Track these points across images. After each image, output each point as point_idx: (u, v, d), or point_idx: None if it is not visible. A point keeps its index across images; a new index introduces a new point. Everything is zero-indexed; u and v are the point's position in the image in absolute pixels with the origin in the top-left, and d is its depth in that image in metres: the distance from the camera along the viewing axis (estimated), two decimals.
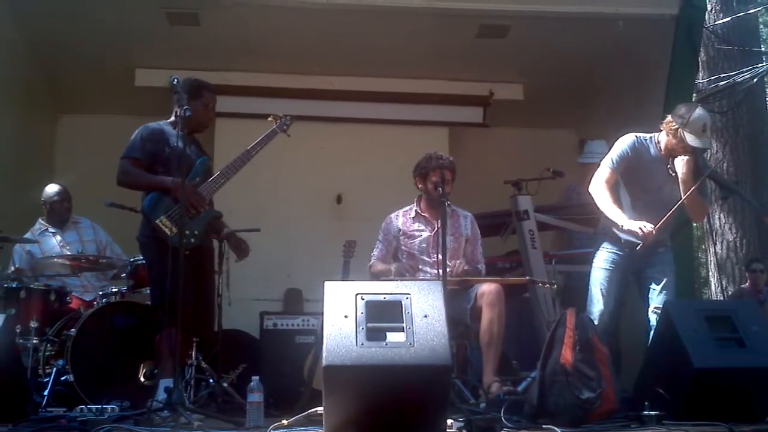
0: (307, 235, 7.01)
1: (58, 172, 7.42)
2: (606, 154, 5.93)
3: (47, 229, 5.76)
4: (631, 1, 6.17)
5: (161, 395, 3.90)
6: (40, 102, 7.27)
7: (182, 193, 4.17)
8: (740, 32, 10.80)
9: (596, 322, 4.36)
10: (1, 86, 6.27)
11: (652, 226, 4.28)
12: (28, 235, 5.63)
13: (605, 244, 4.63)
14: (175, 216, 4.29)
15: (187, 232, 4.26)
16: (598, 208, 4.49)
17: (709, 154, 8.86)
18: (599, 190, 4.48)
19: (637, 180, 4.54)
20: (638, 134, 4.58)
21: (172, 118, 4.54)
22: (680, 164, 4.46)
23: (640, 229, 4.27)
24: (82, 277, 5.58)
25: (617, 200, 4.49)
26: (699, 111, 4.45)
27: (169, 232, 4.28)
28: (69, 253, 5.56)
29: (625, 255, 4.55)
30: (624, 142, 4.56)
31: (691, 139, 4.38)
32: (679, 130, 4.40)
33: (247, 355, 5.41)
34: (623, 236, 4.46)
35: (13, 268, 5.51)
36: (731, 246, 10.28)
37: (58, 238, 5.73)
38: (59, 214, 5.77)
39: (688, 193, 4.38)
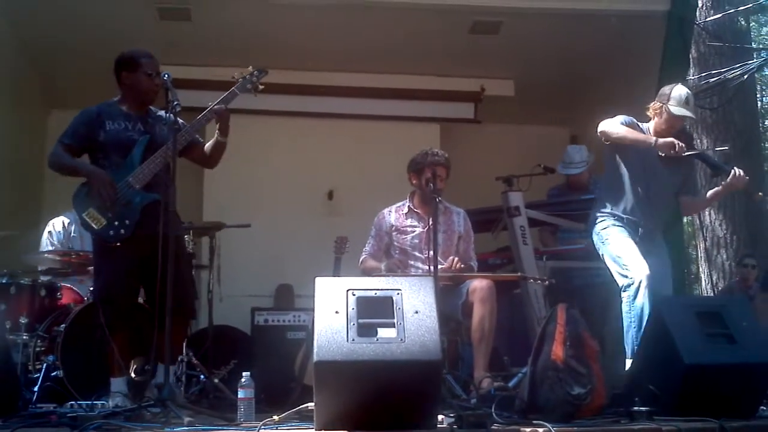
0: (298, 231, 6.99)
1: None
2: (587, 161, 6.01)
3: None
4: None
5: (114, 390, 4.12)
6: (31, 97, 7.23)
7: (95, 183, 4.02)
8: (731, 29, 10.82)
9: (645, 289, 4.31)
10: None
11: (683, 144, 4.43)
12: (68, 214, 5.72)
13: (609, 220, 4.66)
14: (103, 207, 4.03)
15: (116, 224, 4.02)
16: (620, 137, 4.52)
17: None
18: (617, 126, 4.53)
19: (636, 158, 4.62)
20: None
21: (119, 96, 4.36)
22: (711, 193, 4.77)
23: (675, 140, 4.42)
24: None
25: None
26: (678, 86, 4.63)
27: (96, 226, 4.04)
28: None
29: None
30: (627, 116, 4.63)
31: (675, 110, 4.53)
32: (663, 107, 4.57)
33: (238, 351, 5.40)
34: (625, 216, 4.59)
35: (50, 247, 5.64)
36: (721, 242, 10.30)
37: None
38: None
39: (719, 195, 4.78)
